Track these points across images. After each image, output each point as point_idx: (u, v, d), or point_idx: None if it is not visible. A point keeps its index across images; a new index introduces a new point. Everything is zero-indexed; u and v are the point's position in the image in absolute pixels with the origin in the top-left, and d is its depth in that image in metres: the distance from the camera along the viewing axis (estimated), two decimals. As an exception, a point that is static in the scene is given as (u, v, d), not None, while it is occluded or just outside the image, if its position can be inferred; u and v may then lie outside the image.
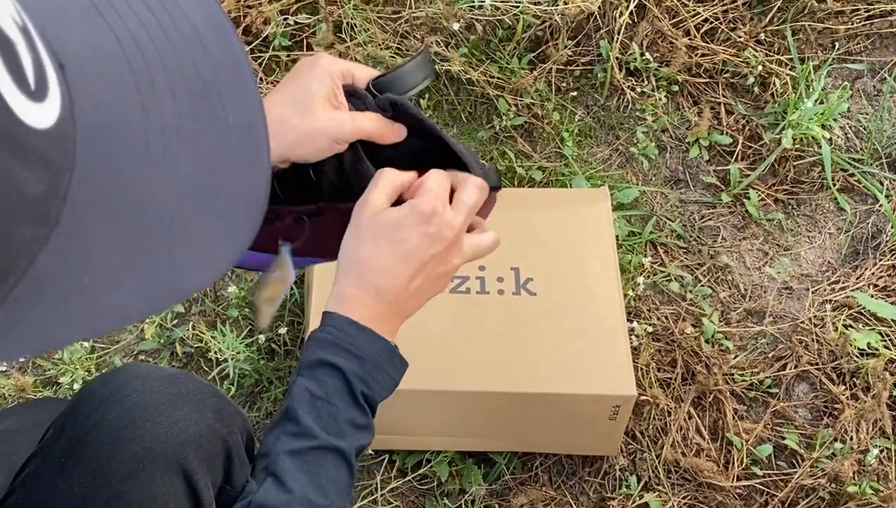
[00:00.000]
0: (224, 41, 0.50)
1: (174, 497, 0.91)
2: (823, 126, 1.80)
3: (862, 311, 1.65)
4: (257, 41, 1.79)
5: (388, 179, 0.90)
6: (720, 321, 1.66)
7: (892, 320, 1.63)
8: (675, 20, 1.85)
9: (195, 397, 0.96)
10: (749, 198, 1.77)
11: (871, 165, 1.81)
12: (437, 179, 0.90)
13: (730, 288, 1.70)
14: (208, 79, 0.49)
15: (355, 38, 1.80)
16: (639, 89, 1.84)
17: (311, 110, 0.89)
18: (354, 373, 0.87)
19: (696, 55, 1.84)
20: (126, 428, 0.91)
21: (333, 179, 0.92)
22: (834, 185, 1.78)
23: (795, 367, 1.61)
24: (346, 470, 0.87)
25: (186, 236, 0.47)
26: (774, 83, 1.84)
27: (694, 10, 1.86)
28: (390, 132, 0.93)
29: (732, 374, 1.60)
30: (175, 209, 0.47)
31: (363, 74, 0.94)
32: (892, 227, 1.73)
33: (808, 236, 1.76)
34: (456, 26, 1.78)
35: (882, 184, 1.79)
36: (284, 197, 0.95)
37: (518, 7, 1.78)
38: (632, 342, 1.53)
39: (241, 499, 0.86)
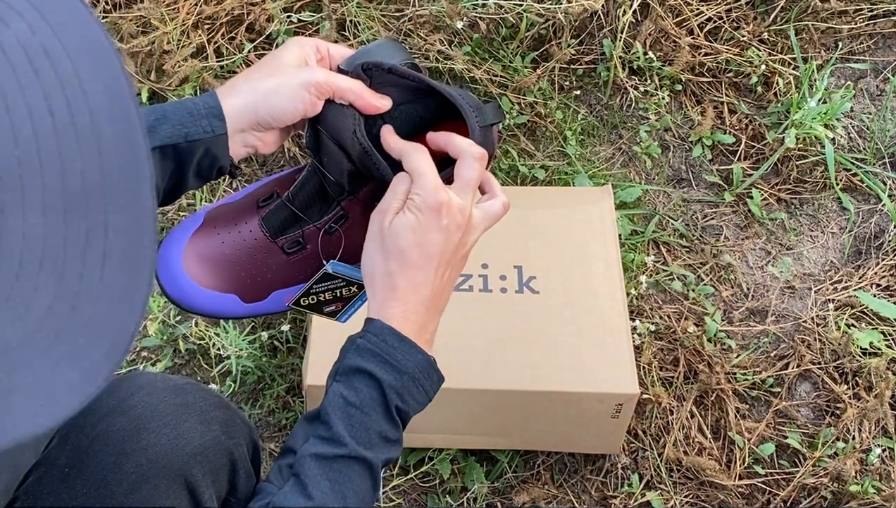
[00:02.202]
0: (125, 140, 0.42)
1: None
2: (826, 126, 1.80)
3: (864, 310, 1.65)
4: (260, 39, 1.79)
5: (407, 188, 0.86)
6: (722, 320, 1.66)
7: (895, 319, 1.63)
8: (678, 19, 1.85)
9: (201, 408, 0.95)
10: (752, 197, 1.77)
11: (874, 164, 1.81)
12: (427, 163, 0.86)
13: (732, 287, 1.70)
14: (94, 190, 0.41)
15: (359, 37, 1.80)
16: (642, 88, 1.84)
17: (281, 69, 0.87)
18: (391, 386, 0.85)
19: (699, 54, 1.84)
20: (130, 440, 0.90)
21: (343, 181, 0.90)
22: (837, 184, 1.78)
23: (798, 366, 1.61)
24: (370, 482, 0.85)
25: (29, 381, 0.40)
26: (777, 83, 1.84)
27: (697, 9, 1.86)
28: (370, 96, 0.88)
29: (735, 373, 1.60)
30: (20, 352, 0.40)
31: (338, 52, 0.91)
32: (894, 226, 1.73)
33: (811, 236, 1.76)
34: (459, 24, 1.78)
35: (885, 184, 1.79)
36: (306, 215, 0.92)
37: (521, 5, 1.78)
38: (634, 341, 1.53)
39: (257, 495, 0.85)
